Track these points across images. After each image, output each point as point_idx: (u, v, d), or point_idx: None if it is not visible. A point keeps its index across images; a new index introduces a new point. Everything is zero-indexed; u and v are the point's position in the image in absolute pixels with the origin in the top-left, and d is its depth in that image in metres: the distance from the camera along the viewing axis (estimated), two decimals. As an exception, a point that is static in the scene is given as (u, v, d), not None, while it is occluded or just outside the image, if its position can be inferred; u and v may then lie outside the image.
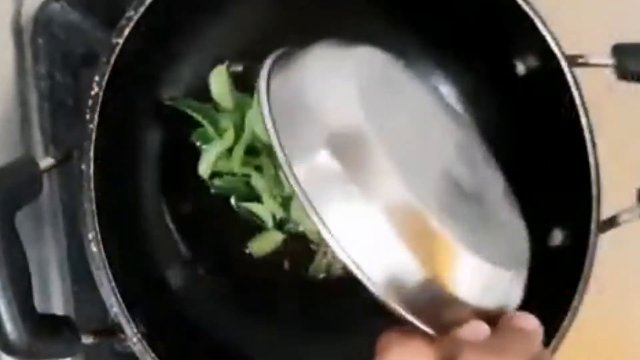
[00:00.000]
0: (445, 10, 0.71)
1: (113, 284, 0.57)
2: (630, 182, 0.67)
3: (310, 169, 0.46)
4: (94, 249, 0.57)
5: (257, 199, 0.69)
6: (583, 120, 0.64)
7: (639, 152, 0.80)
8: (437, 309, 0.47)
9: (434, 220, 0.46)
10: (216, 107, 0.69)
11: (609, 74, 0.66)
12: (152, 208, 0.69)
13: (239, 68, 0.71)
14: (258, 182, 0.68)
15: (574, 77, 0.64)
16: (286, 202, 0.68)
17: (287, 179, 0.46)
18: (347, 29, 0.72)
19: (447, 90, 0.75)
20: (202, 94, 0.70)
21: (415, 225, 0.46)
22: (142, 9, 0.59)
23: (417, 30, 0.73)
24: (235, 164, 0.68)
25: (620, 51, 0.65)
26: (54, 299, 0.68)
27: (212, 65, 0.70)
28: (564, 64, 0.64)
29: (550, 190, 0.69)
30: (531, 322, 0.50)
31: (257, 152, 0.68)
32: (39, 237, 0.68)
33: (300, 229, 0.70)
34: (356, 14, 0.72)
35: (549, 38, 0.65)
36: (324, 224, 0.45)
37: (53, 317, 0.56)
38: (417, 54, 0.75)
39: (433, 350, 0.46)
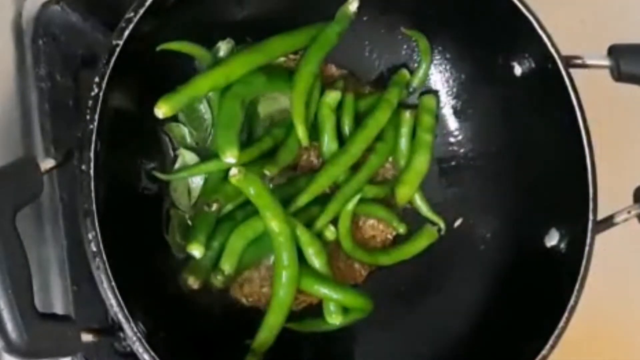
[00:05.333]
0: (441, 12, 0.71)
1: (113, 283, 0.57)
2: (627, 182, 0.68)
3: None
4: (94, 249, 0.57)
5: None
6: (580, 121, 0.64)
7: (635, 152, 0.81)
8: None
9: None
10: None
11: (606, 75, 0.66)
12: (152, 208, 0.70)
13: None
14: None
15: (570, 78, 0.65)
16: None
17: None
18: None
19: (445, 91, 0.76)
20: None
21: None
22: (141, 11, 0.60)
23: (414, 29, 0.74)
24: None
25: (616, 52, 0.65)
26: (54, 298, 0.68)
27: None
28: (560, 65, 0.65)
29: (547, 190, 0.69)
30: None
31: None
32: (39, 237, 0.68)
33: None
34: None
35: (545, 39, 0.65)
36: None
37: (53, 317, 0.56)
38: (414, 55, 0.76)
39: None
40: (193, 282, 0.66)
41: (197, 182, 0.70)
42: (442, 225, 0.75)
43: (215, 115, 0.69)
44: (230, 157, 0.65)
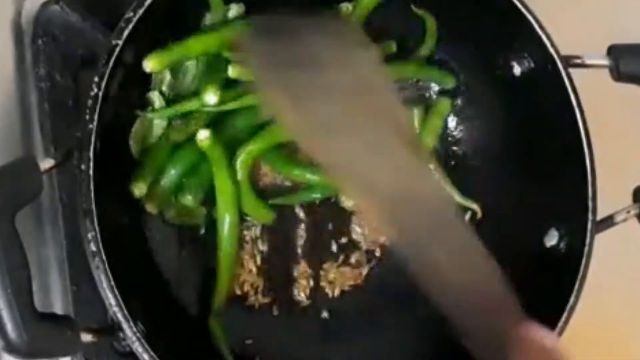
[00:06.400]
0: (441, 11, 0.71)
1: (112, 283, 0.57)
2: (626, 182, 0.68)
3: None
4: (94, 248, 0.57)
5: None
6: (579, 121, 0.64)
7: (634, 152, 0.81)
8: None
9: None
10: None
11: (606, 75, 0.66)
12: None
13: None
14: None
15: (570, 78, 0.65)
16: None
17: None
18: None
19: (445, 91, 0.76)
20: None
21: None
22: (141, 11, 0.60)
23: (415, 30, 0.74)
24: None
25: (615, 52, 0.65)
26: (54, 298, 0.68)
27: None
28: (560, 65, 0.65)
29: (546, 190, 0.69)
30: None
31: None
32: (39, 237, 0.68)
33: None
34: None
35: (545, 39, 0.65)
36: None
37: (53, 317, 0.56)
38: (417, 54, 0.76)
39: None
40: (151, 208, 0.67)
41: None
42: (477, 209, 0.74)
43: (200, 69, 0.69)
44: (212, 95, 0.66)
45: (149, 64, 0.64)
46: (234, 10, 0.70)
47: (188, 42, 0.66)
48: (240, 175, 0.68)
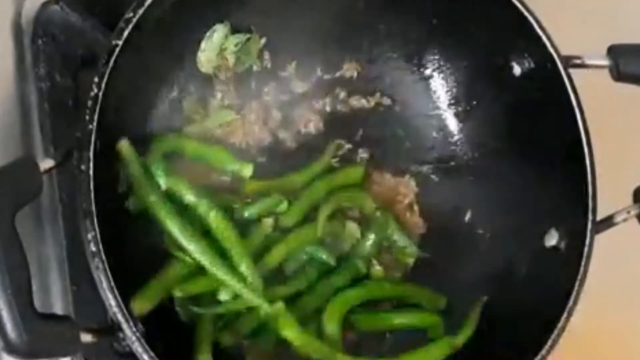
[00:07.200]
0: (441, 11, 0.71)
1: (112, 284, 0.57)
2: (626, 182, 0.68)
3: None
4: (94, 248, 0.57)
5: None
6: (579, 121, 0.65)
7: (634, 152, 0.81)
8: None
9: None
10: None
11: (606, 75, 0.66)
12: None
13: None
14: None
15: (570, 78, 0.65)
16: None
17: None
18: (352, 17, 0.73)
19: (445, 91, 0.76)
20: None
21: None
22: (140, 11, 0.60)
23: (415, 29, 0.74)
24: None
25: (615, 52, 0.65)
26: (54, 298, 0.68)
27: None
28: (560, 65, 0.65)
29: (546, 190, 0.69)
30: None
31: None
32: (39, 237, 0.68)
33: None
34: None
35: (545, 39, 0.65)
36: None
37: (53, 317, 0.56)
38: (417, 55, 0.76)
39: None
40: None
41: None
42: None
43: None
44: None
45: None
46: (220, 31, 0.70)
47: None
48: None
